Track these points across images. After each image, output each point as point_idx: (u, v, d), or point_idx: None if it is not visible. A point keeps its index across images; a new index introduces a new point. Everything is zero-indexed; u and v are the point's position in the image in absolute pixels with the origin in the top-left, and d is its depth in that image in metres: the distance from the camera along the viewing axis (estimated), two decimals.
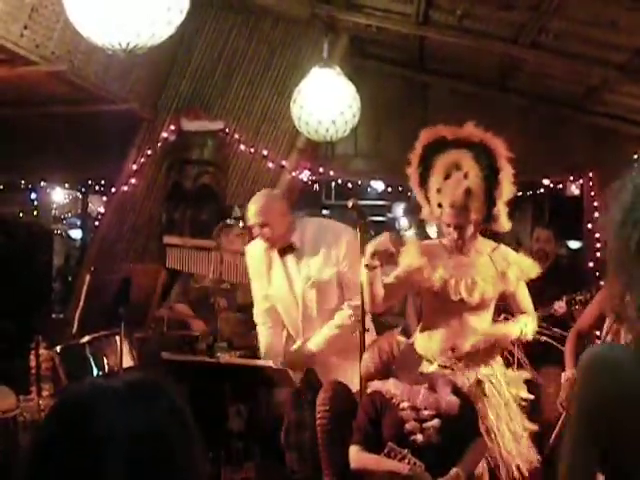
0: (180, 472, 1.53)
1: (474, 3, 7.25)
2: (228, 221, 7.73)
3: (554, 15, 6.89)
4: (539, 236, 7.44)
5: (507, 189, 5.03)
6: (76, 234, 15.36)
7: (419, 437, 4.53)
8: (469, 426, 4.70)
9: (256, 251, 5.93)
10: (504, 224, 5.08)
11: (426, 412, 4.61)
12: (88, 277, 6.50)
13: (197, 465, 1.58)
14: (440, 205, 5.01)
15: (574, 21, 6.99)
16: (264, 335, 6.03)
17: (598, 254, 9.33)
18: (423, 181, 5.12)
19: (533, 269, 5.06)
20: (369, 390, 4.85)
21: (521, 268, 5.06)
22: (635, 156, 9.44)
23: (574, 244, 11.85)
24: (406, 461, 4.45)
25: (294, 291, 5.76)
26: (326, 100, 7.35)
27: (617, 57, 7.57)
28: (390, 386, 4.72)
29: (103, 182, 12.20)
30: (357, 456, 4.64)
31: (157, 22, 4.65)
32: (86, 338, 6.32)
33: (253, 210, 5.76)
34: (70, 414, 1.52)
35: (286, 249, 5.72)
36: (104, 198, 10.75)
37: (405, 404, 4.64)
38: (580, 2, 6.47)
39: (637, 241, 2.01)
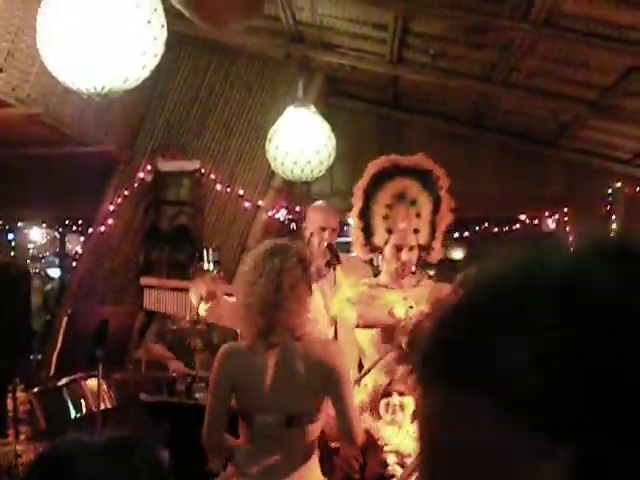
0: None
1: (446, 43, 7.33)
2: (204, 265, 7.76)
3: (525, 54, 6.98)
4: None
5: (447, 220, 5.17)
6: (54, 273, 15.30)
7: None
8: None
9: None
10: (438, 254, 5.21)
11: (410, 460, 4.59)
12: (65, 319, 6.49)
13: None
14: (389, 231, 5.09)
15: (545, 60, 7.08)
16: None
17: None
18: (364, 212, 5.21)
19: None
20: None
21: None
22: (609, 190, 9.53)
23: None
24: None
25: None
26: (301, 140, 7.36)
27: (588, 94, 7.66)
28: (378, 426, 4.71)
29: (81, 222, 12.18)
30: None
31: (131, 66, 4.67)
32: (64, 380, 6.30)
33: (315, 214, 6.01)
34: (51, 470, 1.53)
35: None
36: (82, 238, 10.73)
37: (390, 447, 4.63)
38: (550, 42, 6.55)
39: None
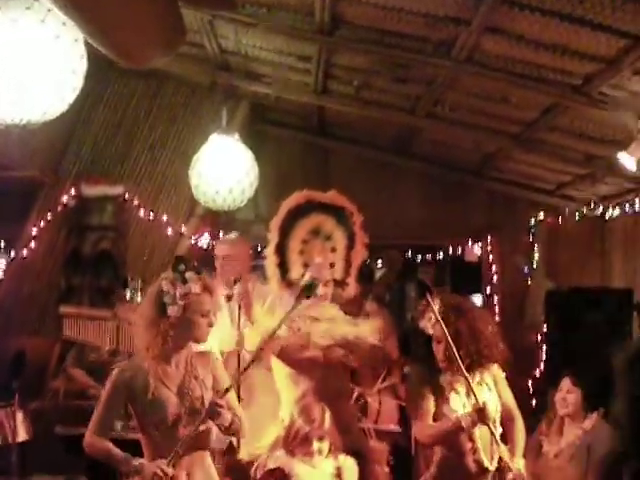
0: None
1: (370, 75, 7.37)
2: (126, 293, 7.71)
3: (448, 89, 7.06)
4: None
5: (361, 255, 5.26)
6: None
7: None
8: None
9: None
10: (352, 289, 5.30)
11: None
12: None
13: None
14: (305, 265, 5.15)
15: (468, 94, 7.17)
16: None
17: (497, 316, 9.49)
18: (279, 248, 5.26)
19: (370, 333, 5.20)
20: (272, 464, 4.84)
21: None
22: (532, 220, 9.67)
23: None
24: None
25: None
26: (224, 168, 7.32)
27: (510, 128, 7.77)
28: (292, 463, 4.72)
29: (3, 245, 12.02)
30: None
31: (50, 99, 4.63)
32: None
33: (220, 244, 6.26)
34: None
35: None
36: (2, 261, 10.57)
37: None
38: (472, 78, 6.63)
39: None
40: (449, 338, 4.65)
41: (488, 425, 4.57)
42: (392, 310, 8.78)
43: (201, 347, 5.52)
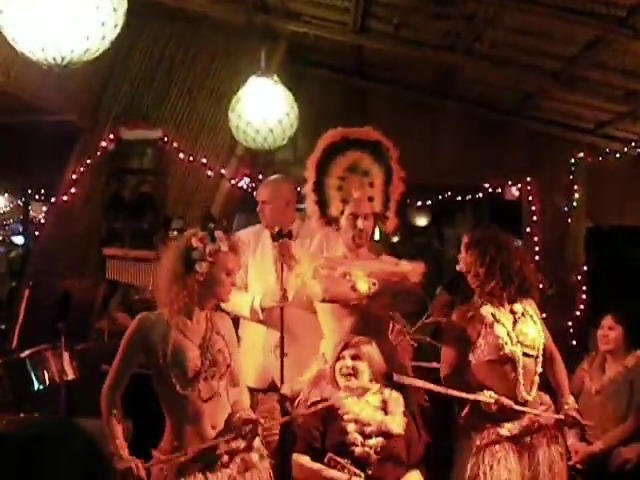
0: None
1: (410, 13, 7.32)
2: (170, 233, 7.72)
3: (489, 24, 6.99)
4: None
5: (399, 189, 5.27)
6: (19, 240, 15.26)
7: (358, 450, 4.57)
8: (410, 453, 4.73)
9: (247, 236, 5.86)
10: (393, 223, 5.31)
11: (369, 428, 4.65)
12: (27, 291, 6.47)
13: None
14: (344, 201, 5.16)
15: (508, 30, 7.09)
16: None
17: (537, 256, 9.47)
18: (317, 185, 5.26)
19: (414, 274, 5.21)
20: (315, 397, 4.88)
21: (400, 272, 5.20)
22: (572, 160, 9.60)
23: None
24: (346, 471, 4.50)
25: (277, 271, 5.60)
26: (264, 109, 7.33)
27: (551, 65, 7.70)
28: (339, 396, 4.75)
29: (44, 191, 12.13)
30: (300, 464, 4.66)
31: (91, 37, 4.63)
32: (26, 352, 6.27)
33: (261, 187, 5.97)
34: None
35: (279, 233, 5.60)
36: (44, 207, 10.66)
37: (350, 415, 4.67)
38: (513, 13, 6.56)
39: None
40: (478, 266, 4.78)
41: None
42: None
43: (243, 300, 5.58)
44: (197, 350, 4.09)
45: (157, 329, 4.08)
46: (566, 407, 4.86)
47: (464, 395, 4.78)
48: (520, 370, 4.74)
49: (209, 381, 4.09)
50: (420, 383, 4.91)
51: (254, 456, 4.20)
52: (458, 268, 4.98)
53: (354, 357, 4.82)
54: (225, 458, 4.10)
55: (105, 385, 4.08)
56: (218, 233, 4.14)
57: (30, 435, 1.62)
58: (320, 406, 4.73)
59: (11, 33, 4.66)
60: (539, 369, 4.84)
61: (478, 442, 4.76)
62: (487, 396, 4.69)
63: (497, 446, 4.73)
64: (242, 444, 4.15)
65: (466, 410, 4.82)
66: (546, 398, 4.94)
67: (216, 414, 4.15)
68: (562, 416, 4.84)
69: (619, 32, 6.21)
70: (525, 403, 4.77)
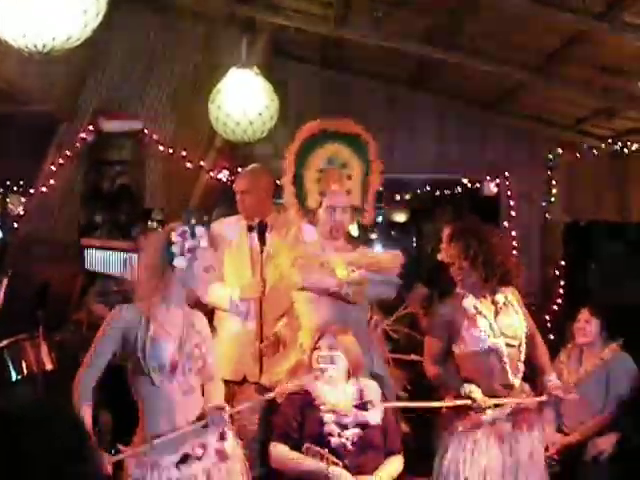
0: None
1: (390, 5, 7.33)
2: (149, 224, 7.72)
3: (468, 17, 7.02)
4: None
5: (378, 182, 5.31)
6: None
7: (335, 440, 4.59)
8: (388, 441, 4.75)
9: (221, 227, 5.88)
10: (371, 216, 5.35)
11: (346, 419, 4.67)
12: (5, 280, 6.44)
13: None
14: (322, 193, 5.19)
15: (488, 23, 7.13)
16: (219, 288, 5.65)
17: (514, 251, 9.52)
18: (296, 176, 5.30)
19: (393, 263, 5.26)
20: (293, 386, 4.89)
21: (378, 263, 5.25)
22: (549, 156, 9.66)
23: None
24: (324, 460, 4.52)
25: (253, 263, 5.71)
26: (244, 101, 7.32)
27: (529, 60, 7.74)
28: (316, 385, 4.76)
29: (22, 182, 12.07)
30: (278, 454, 4.67)
31: (73, 25, 4.63)
32: (4, 342, 6.25)
33: (240, 177, 6.01)
34: None
35: (257, 226, 5.62)
36: (22, 199, 10.62)
37: (327, 406, 4.68)
38: (493, 6, 6.59)
39: None
40: (461, 259, 4.83)
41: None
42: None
43: (222, 294, 5.58)
44: (175, 343, 4.08)
45: (135, 321, 4.07)
46: (549, 384, 4.91)
47: (446, 404, 4.83)
48: (505, 359, 4.79)
49: (185, 375, 4.09)
50: (405, 405, 5.00)
51: (228, 447, 4.20)
52: (440, 258, 5.01)
53: (331, 347, 4.84)
54: (199, 451, 4.10)
55: (78, 372, 4.08)
56: (199, 229, 4.13)
57: (9, 416, 1.62)
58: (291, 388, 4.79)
59: None
60: (522, 357, 4.89)
61: (460, 428, 4.80)
62: (467, 398, 4.72)
63: (479, 432, 4.78)
64: (215, 436, 4.16)
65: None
66: (526, 387, 4.98)
67: (190, 408, 4.15)
68: (545, 397, 4.90)
69: (596, 27, 6.24)
70: (512, 387, 4.83)
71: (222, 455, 4.16)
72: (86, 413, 3.97)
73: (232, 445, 4.25)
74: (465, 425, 4.79)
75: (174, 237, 4.09)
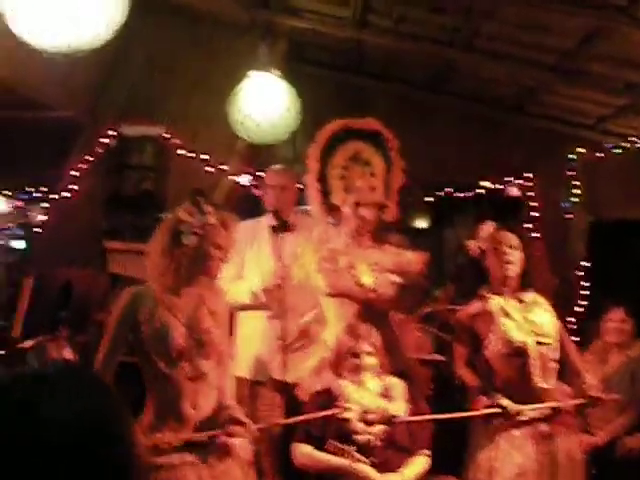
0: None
1: (408, 6, 7.33)
2: None
3: (486, 18, 7.00)
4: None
5: (400, 179, 5.32)
6: (19, 244, 15.19)
7: (361, 438, 4.57)
8: (414, 439, 4.73)
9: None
10: (394, 212, 5.35)
11: (372, 415, 4.65)
12: (29, 282, 6.47)
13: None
14: (346, 190, 5.20)
15: (506, 24, 7.10)
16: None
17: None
18: (320, 175, 5.30)
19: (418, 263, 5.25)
20: (318, 385, 4.89)
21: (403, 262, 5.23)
22: (571, 156, 9.61)
23: None
24: (348, 456, 4.50)
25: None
26: (264, 103, 7.32)
27: (549, 59, 7.71)
28: (340, 384, 4.75)
29: (43, 189, 12.10)
30: (303, 453, 4.66)
31: (96, 25, 4.64)
32: (28, 343, 6.27)
33: (274, 173, 6.04)
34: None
35: (282, 226, 5.59)
36: (44, 205, 10.65)
37: (352, 404, 4.67)
38: (510, 6, 6.57)
39: None
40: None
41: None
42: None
43: (242, 288, 5.55)
44: (183, 328, 4.02)
45: (145, 304, 4.01)
46: (584, 387, 4.84)
47: (474, 413, 4.78)
48: (532, 361, 4.71)
49: (194, 360, 4.02)
50: (431, 418, 4.97)
51: (235, 443, 4.11)
52: (471, 253, 4.98)
53: (368, 354, 4.83)
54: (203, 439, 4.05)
55: (97, 358, 4.04)
56: (206, 206, 4.08)
57: (25, 377, 1.46)
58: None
59: (15, 20, 4.66)
60: (556, 356, 4.82)
61: (495, 423, 4.75)
62: (496, 406, 4.67)
63: (515, 431, 4.71)
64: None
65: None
66: (567, 388, 4.92)
67: (199, 394, 4.06)
68: (583, 400, 4.83)
69: (618, 21, 6.20)
70: (541, 390, 4.76)
71: (227, 449, 4.07)
72: None
73: (240, 443, 4.16)
74: (500, 423, 4.73)
75: (182, 215, 4.05)
